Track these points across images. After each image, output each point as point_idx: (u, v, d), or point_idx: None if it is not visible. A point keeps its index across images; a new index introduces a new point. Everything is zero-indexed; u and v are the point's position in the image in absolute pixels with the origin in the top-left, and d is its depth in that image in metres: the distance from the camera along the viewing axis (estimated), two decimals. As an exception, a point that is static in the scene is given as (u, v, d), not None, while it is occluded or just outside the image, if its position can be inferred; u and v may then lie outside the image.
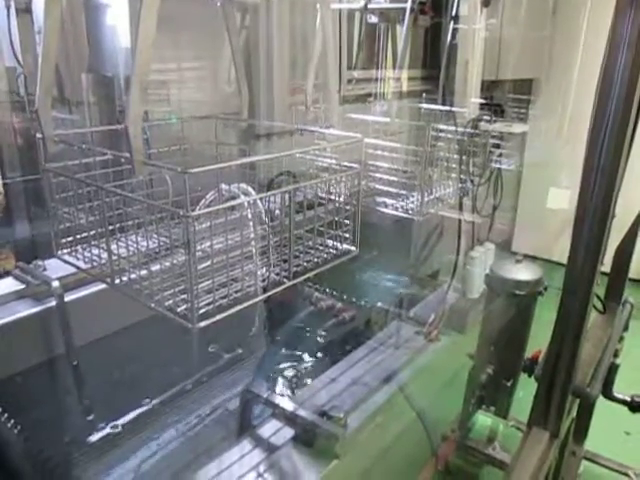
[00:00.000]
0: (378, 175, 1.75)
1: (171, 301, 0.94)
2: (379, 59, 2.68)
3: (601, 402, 1.80)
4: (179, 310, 0.92)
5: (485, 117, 1.96)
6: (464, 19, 2.64)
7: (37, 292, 1.33)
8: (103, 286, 1.07)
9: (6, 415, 1.12)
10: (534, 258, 2.23)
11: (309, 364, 1.70)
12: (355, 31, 2.80)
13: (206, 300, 0.92)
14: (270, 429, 1.31)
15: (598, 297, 1.83)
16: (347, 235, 1.13)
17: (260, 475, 1.19)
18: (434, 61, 3.16)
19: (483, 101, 2.58)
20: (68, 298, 1.31)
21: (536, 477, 1.29)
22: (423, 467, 1.93)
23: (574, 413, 1.65)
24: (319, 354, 1.75)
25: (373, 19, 2.53)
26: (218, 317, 0.91)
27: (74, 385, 1.30)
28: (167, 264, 0.97)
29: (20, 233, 1.74)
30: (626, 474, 2.24)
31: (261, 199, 1.04)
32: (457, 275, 1.97)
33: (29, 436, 1.18)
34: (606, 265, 1.57)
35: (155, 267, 0.99)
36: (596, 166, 1.12)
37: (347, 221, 1.12)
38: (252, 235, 1.01)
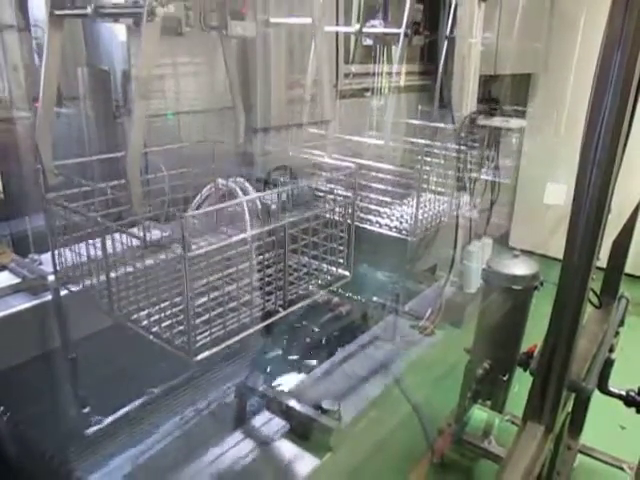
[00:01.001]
0: (373, 195, 1.79)
1: (168, 333, 0.96)
2: (375, 69, 2.67)
3: (596, 396, 1.81)
4: (177, 343, 0.94)
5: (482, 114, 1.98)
6: (462, 15, 2.64)
7: (33, 286, 1.32)
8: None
9: (2, 408, 1.13)
10: (531, 253, 2.23)
11: (305, 358, 1.70)
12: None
13: (204, 333, 0.94)
14: (265, 422, 1.31)
15: (594, 292, 1.83)
16: (341, 260, 1.15)
17: (254, 468, 1.19)
18: (431, 56, 3.16)
19: (480, 96, 2.58)
20: (64, 292, 1.31)
21: (531, 471, 1.30)
22: (419, 460, 1.94)
23: (569, 407, 1.65)
24: (315, 348, 1.75)
25: (368, 41, 2.58)
26: (215, 349, 0.94)
27: (70, 378, 1.30)
28: (166, 303, 0.99)
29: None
30: (621, 468, 2.25)
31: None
32: (454, 270, 1.98)
33: (26, 429, 1.18)
34: (602, 260, 1.57)
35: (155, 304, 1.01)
36: (592, 161, 1.12)
37: (341, 247, 1.14)
38: (249, 252, 1.02)
